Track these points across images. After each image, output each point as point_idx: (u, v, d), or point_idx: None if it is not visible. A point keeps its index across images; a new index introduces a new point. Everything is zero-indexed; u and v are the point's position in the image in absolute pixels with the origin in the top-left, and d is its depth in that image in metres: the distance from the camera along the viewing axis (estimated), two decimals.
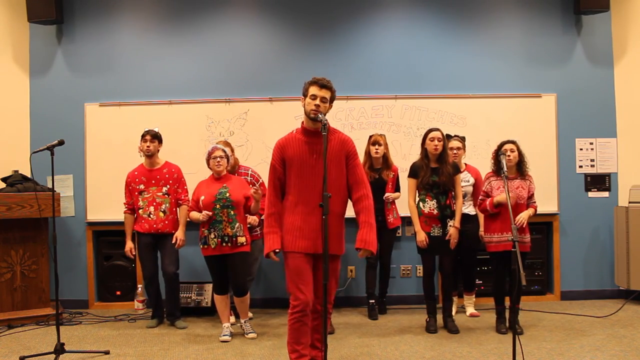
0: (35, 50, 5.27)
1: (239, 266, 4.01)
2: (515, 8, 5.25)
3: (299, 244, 2.94)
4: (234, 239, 3.98)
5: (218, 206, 3.97)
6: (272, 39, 5.26)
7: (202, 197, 4.01)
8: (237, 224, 4.00)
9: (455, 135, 4.57)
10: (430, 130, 4.13)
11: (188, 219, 4.23)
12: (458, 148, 4.47)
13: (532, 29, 5.23)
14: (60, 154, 4.02)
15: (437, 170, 4.09)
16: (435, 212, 4.06)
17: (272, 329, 4.33)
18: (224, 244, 3.97)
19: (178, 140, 4.99)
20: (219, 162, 4.05)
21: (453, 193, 4.14)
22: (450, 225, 4.08)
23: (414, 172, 4.17)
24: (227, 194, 3.99)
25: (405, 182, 4.51)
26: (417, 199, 4.17)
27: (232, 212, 3.98)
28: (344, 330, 4.27)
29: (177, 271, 4.44)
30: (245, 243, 4.03)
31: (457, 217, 4.10)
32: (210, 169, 4.11)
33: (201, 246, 4.06)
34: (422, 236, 4.06)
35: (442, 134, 4.11)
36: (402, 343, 3.89)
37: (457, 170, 4.16)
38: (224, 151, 4.12)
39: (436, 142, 4.06)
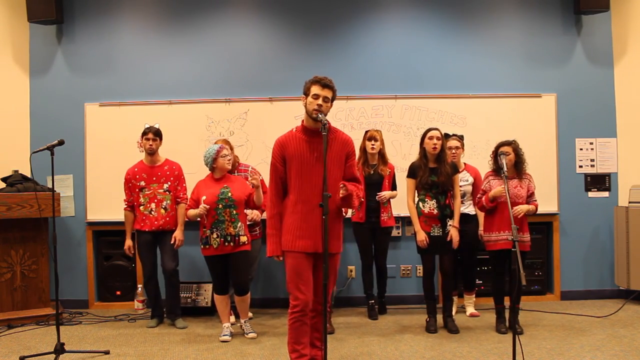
0: (35, 50, 5.27)
1: (241, 265, 4.02)
2: (515, 8, 5.25)
3: (299, 243, 2.94)
4: (237, 238, 3.99)
5: (220, 206, 3.97)
6: (272, 39, 5.27)
7: (204, 197, 4.00)
8: (239, 224, 4.01)
9: (454, 135, 4.56)
10: (428, 130, 4.14)
11: (187, 218, 4.22)
12: (457, 147, 4.46)
13: (532, 29, 5.23)
14: (60, 154, 4.01)
15: (435, 170, 4.09)
16: (435, 211, 4.06)
17: (272, 329, 4.33)
18: (227, 244, 3.97)
19: (178, 140, 4.99)
20: (229, 160, 4.10)
21: (452, 193, 4.14)
22: (450, 225, 4.08)
23: (412, 172, 4.17)
24: (229, 194, 3.99)
25: (402, 181, 4.53)
26: (417, 199, 4.17)
27: (234, 212, 3.99)
28: (344, 330, 4.27)
29: (177, 267, 4.45)
30: (246, 242, 4.05)
31: (456, 216, 4.11)
32: (216, 167, 4.06)
33: (202, 246, 4.05)
34: (422, 236, 4.06)
35: (441, 133, 4.11)
36: (402, 343, 3.89)
37: (455, 170, 4.16)
38: (229, 147, 4.17)
39: (435, 141, 4.05)
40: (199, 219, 4.06)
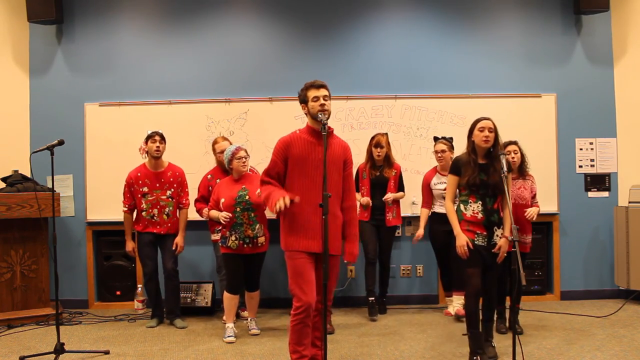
0: (35, 50, 5.27)
1: (256, 265, 4.15)
2: (515, 8, 5.25)
3: (305, 243, 2.94)
4: (255, 240, 4.03)
5: (238, 209, 3.99)
6: (272, 39, 5.26)
7: (223, 200, 4.03)
8: (258, 225, 4.04)
9: (442, 137, 4.57)
10: (479, 120, 3.41)
11: (208, 217, 4.21)
12: (442, 151, 4.46)
13: (532, 29, 5.23)
14: (60, 154, 4.02)
15: (486, 167, 3.37)
16: (480, 216, 3.33)
17: (273, 329, 4.33)
18: (245, 245, 4.02)
19: (178, 140, 4.98)
20: (244, 162, 4.08)
21: (502, 196, 3.34)
22: (498, 236, 3.36)
23: (456, 168, 3.42)
24: (247, 197, 4.00)
25: (408, 181, 4.54)
26: (457, 200, 3.49)
27: (252, 215, 4.01)
28: (344, 330, 4.27)
29: (177, 268, 4.46)
30: (264, 242, 4.11)
31: (507, 224, 3.33)
32: (232, 168, 4.10)
33: (221, 245, 4.11)
34: (462, 240, 3.31)
35: (494, 124, 3.40)
36: (402, 343, 3.89)
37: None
38: (246, 151, 4.16)
39: (487, 132, 3.33)
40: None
